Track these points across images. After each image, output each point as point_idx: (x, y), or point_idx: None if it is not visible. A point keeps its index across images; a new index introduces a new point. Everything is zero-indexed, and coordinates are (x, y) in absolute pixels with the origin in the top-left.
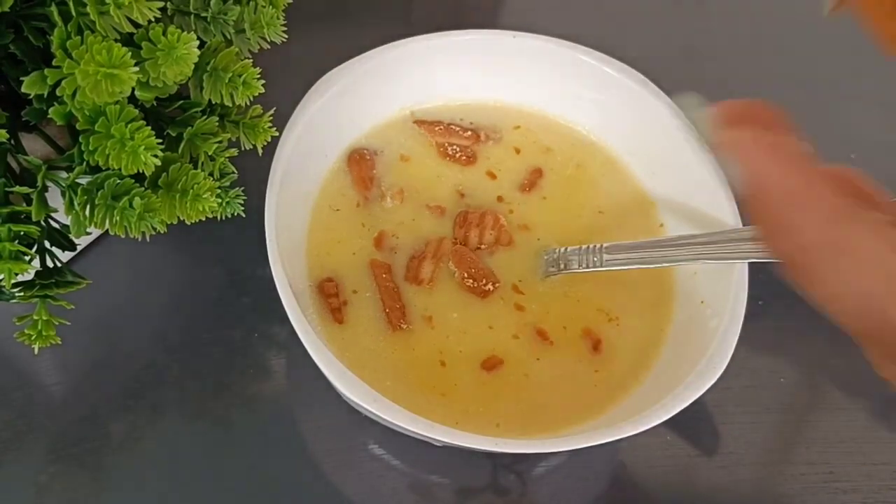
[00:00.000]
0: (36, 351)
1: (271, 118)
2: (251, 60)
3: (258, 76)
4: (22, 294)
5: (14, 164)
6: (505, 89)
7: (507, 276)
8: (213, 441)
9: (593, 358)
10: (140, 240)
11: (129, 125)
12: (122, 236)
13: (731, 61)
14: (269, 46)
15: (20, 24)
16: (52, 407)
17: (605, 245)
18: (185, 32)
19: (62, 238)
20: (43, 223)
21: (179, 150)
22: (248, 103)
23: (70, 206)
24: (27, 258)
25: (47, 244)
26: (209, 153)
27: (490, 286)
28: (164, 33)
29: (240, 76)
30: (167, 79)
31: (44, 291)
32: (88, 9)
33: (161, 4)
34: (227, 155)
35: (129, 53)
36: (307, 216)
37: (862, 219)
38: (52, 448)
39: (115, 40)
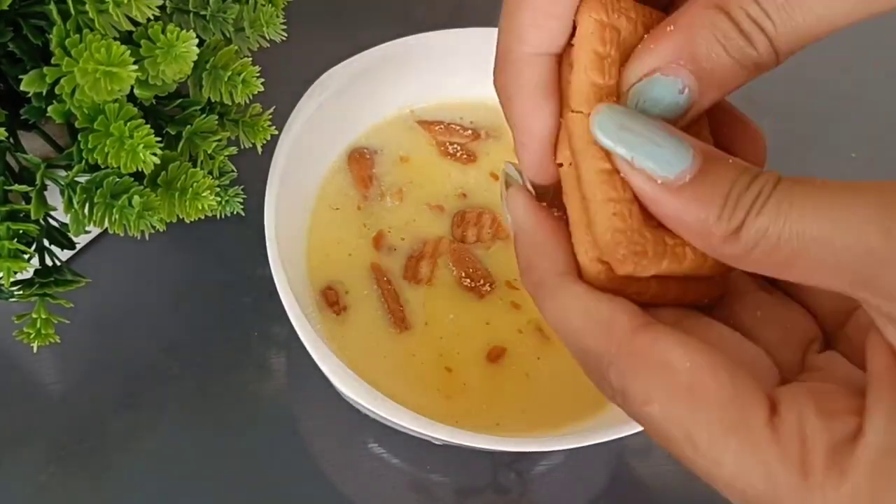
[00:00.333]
0: (35, 349)
1: (270, 117)
2: (250, 59)
3: (257, 74)
4: (21, 292)
5: (13, 163)
6: None
7: (504, 273)
8: (212, 440)
9: None
10: (139, 238)
11: (129, 123)
12: (122, 235)
13: None
14: (268, 45)
15: (19, 23)
16: (51, 406)
17: None
18: (185, 31)
19: (61, 236)
20: (42, 221)
21: (178, 149)
22: (248, 102)
23: (69, 205)
24: (26, 256)
25: (46, 242)
26: (208, 151)
27: (487, 287)
28: (164, 31)
29: (239, 74)
30: (166, 77)
31: (43, 290)
32: (87, 7)
33: (160, 2)
34: (227, 153)
35: (129, 52)
36: (307, 215)
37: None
38: (51, 447)
39: (115, 38)
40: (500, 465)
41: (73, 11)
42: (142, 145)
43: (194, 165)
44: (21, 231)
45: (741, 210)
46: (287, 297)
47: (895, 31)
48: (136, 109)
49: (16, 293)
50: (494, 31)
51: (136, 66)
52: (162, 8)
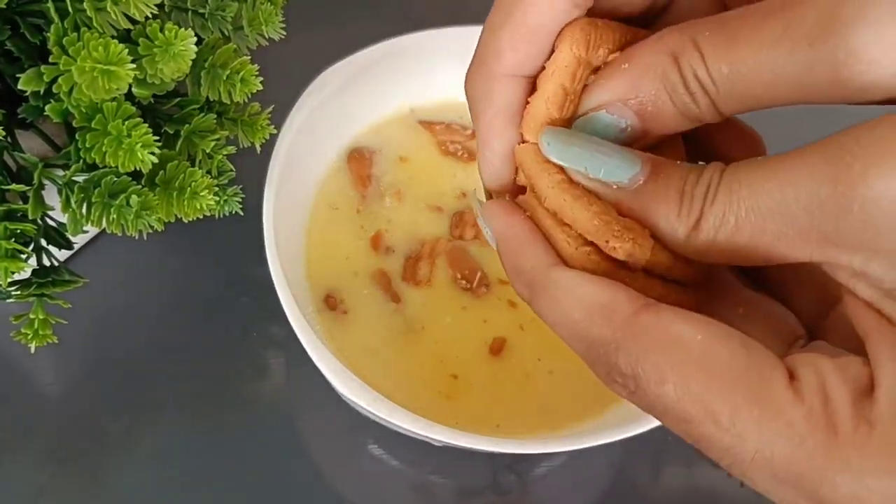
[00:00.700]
0: (33, 350)
1: (269, 115)
2: (249, 57)
3: (256, 73)
4: (18, 293)
5: (10, 162)
6: None
7: (499, 271)
8: (211, 441)
9: None
10: (137, 238)
11: (126, 122)
12: (119, 234)
13: None
14: (267, 43)
15: (16, 21)
16: (49, 407)
17: None
18: (183, 29)
19: (59, 236)
20: (39, 221)
21: (177, 148)
22: (246, 100)
23: (67, 204)
24: (24, 256)
25: (44, 242)
26: (207, 151)
27: (483, 288)
28: (162, 30)
29: (238, 73)
30: (164, 76)
31: (40, 290)
32: (85, 5)
33: (158, 0)
34: (225, 153)
35: (126, 50)
36: (305, 215)
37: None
38: (50, 448)
39: (112, 37)
40: (500, 467)
41: (70, 9)
42: (140, 144)
43: (193, 165)
44: (18, 231)
45: (697, 202)
46: (286, 297)
47: None
48: (134, 108)
49: (13, 293)
50: None
51: (134, 65)
52: (160, 6)
